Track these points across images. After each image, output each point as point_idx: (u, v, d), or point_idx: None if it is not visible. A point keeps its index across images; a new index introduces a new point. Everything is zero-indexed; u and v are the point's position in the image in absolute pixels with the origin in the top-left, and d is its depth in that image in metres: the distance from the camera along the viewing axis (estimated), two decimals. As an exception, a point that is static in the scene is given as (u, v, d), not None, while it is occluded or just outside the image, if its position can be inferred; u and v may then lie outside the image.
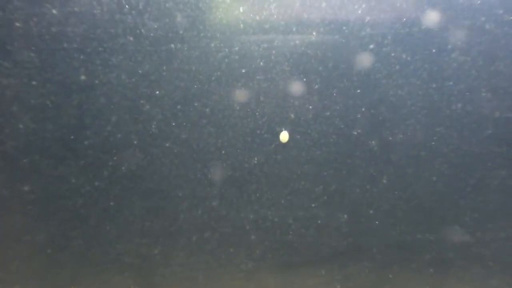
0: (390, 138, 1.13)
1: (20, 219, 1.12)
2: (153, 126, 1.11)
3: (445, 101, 1.12)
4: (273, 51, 1.10)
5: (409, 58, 1.10)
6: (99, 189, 1.12)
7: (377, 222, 1.16)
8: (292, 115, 1.12)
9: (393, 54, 1.10)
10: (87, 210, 1.13)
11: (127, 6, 1.08)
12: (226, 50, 1.10)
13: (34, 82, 1.08)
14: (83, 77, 1.09)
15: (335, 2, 1.08)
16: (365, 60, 1.11)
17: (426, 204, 1.15)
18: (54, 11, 1.07)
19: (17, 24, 1.07)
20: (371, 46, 1.10)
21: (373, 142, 1.13)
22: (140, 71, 1.09)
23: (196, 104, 1.11)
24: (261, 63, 1.10)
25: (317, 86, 1.12)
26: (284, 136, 1.12)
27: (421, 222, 1.16)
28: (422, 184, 1.14)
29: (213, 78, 1.11)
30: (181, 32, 1.09)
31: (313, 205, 1.16)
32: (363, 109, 1.12)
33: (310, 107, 1.12)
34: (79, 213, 1.13)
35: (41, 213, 1.12)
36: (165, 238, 1.15)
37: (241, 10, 1.09)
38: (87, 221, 1.13)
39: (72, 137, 1.10)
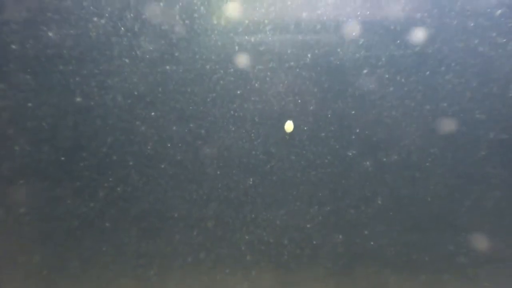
0: (384, 159, 1.13)
1: (15, 240, 1.13)
2: (148, 148, 1.12)
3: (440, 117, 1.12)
4: (268, 73, 1.11)
5: (403, 80, 1.11)
6: (95, 210, 1.13)
7: (372, 243, 1.15)
8: (287, 136, 1.13)
9: (388, 76, 1.11)
10: (83, 231, 1.13)
11: (122, 29, 1.08)
12: (221, 71, 1.10)
13: (30, 104, 1.09)
14: (78, 99, 1.10)
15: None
16: (360, 80, 1.11)
17: (422, 225, 1.15)
18: (50, 34, 1.08)
19: (13, 46, 1.08)
20: (365, 71, 1.11)
21: (368, 162, 1.14)
22: (135, 93, 1.10)
23: (191, 125, 1.12)
24: (256, 85, 1.11)
25: (312, 107, 1.12)
26: (289, 126, 1.11)
27: (417, 242, 1.16)
28: (418, 205, 1.14)
29: (208, 100, 1.11)
30: (176, 54, 1.10)
31: (308, 226, 1.16)
32: (357, 130, 1.12)
33: (305, 128, 1.13)
34: (75, 235, 1.13)
35: (37, 235, 1.13)
36: (161, 259, 1.15)
37: (236, 31, 1.09)
38: (83, 242, 1.14)
39: (67, 159, 1.11)
